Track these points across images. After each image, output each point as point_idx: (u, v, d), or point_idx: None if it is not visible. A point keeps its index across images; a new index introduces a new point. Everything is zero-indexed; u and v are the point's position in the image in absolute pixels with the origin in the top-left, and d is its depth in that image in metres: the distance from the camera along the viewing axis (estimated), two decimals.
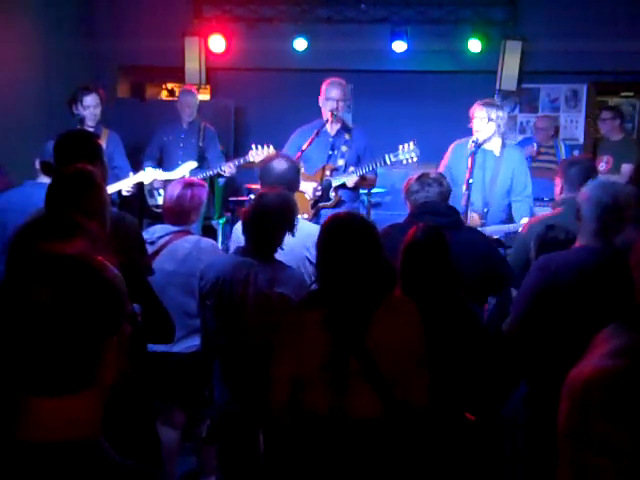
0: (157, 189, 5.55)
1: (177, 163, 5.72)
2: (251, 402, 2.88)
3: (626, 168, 6.44)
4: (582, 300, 2.76)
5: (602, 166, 6.62)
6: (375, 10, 7.03)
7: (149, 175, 4.86)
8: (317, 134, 4.67)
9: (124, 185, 4.54)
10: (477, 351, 2.74)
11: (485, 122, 4.40)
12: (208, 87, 7.73)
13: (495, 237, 4.33)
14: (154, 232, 3.50)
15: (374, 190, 5.91)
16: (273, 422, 2.46)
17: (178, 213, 3.52)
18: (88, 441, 1.10)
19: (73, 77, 6.12)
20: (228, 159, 5.83)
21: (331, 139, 4.79)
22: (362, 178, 4.69)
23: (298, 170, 3.70)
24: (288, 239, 3.03)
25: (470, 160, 4.24)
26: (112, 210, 2.95)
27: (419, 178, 3.40)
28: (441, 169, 4.47)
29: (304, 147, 4.61)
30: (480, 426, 2.78)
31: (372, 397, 2.28)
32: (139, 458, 2.28)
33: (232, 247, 3.59)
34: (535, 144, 6.79)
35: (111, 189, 3.67)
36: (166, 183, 5.42)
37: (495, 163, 4.50)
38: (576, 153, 6.65)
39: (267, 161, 3.67)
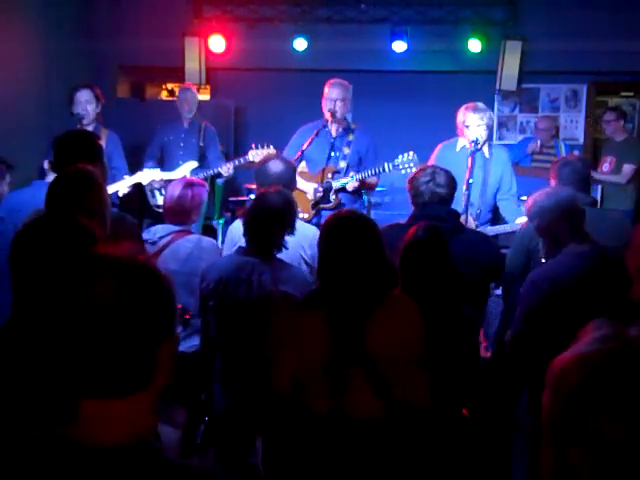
0: (158, 189, 5.55)
1: (178, 163, 5.72)
2: (251, 403, 2.88)
3: (627, 168, 6.45)
4: (579, 303, 2.77)
5: (605, 167, 6.63)
6: (375, 10, 7.04)
7: (147, 176, 4.85)
8: (317, 134, 4.66)
9: (122, 186, 4.52)
10: (470, 355, 2.74)
11: (483, 128, 4.44)
12: (208, 87, 7.73)
13: (491, 235, 4.35)
14: (155, 232, 3.50)
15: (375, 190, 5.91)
16: (273, 416, 2.46)
17: (179, 213, 3.52)
18: (145, 443, 1.10)
19: (73, 77, 6.12)
20: (228, 159, 5.83)
21: (332, 140, 4.79)
22: (362, 182, 4.69)
23: (294, 171, 3.70)
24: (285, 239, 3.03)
25: (470, 160, 4.24)
26: (112, 210, 2.96)
27: (427, 182, 3.38)
28: None
29: (304, 147, 4.61)
30: (484, 425, 2.78)
31: (373, 397, 2.28)
32: None
33: (226, 247, 3.59)
34: (539, 141, 6.80)
35: (109, 190, 3.65)
36: (167, 183, 5.44)
37: (485, 165, 4.53)
38: (576, 153, 6.65)
39: (263, 162, 3.67)
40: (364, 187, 4.84)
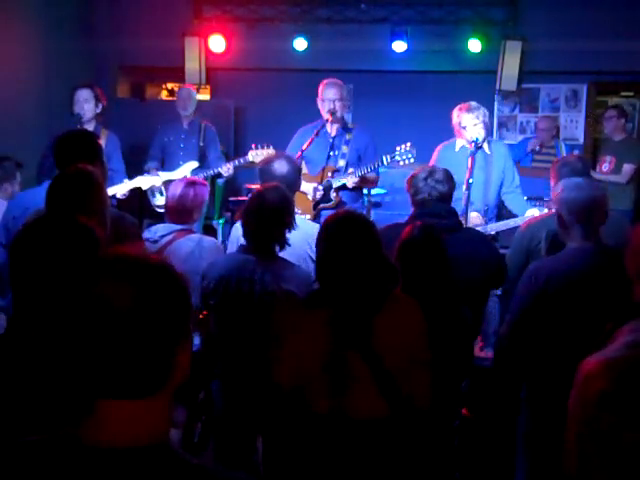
0: (158, 189, 5.54)
1: (178, 163, 5.72)
2: (251, 402, 2.87)
3: (627, 168, 6.45)
4: (576, 302, 2.77)
5: (605, 166, 6.63)
6: (375, 10, 7.03)
7: (147, 181, 4.83)
8: (317, 134, 4.67)
9: (121, 189, 4.48)
10: (464, 355, 2.75)
11: (481, 127, 4.44)
12: (208, 87, 7.72)
13: (492, 233, 4.35)
14: (156, 231, 3.50)
15: (374, 190, 5.91)
16: (273, 415, 2.46)
17: (180, 212, 3.53)
18: (162, 444, 1.10)
19: (73, 77, 6.12)
20: (228, 159, 5.82)
21: (331, 139, 4.79)
22: (362, 178, 4.69)
23: (300, 171, 3.69)
24: (290, 237, 3.02)
25: (470, 160, 4.24)
26: (112, 210, 2.96)
27: (425, 178, 3.38)
28: None
29: (304, 147, 4.61)
30: (485, 425, 2.79)
31: (374, 397, 2.28)
32: None
33: (230, 247, 3.59)
34: (540, 140, 6.81)
35: (108, 192, 3.63)
36: (167, 183, 5.44)
37: (487, 161, 4.54)
38: (576, 153, 6.65)
39: (268, 161, 3.66)
40: (364, 183, 4.84)
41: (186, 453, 1.12)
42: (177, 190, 3.54)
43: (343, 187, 4.71)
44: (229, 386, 3.01)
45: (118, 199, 4.62)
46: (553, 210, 3.62)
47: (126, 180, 4.61)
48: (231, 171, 5.44)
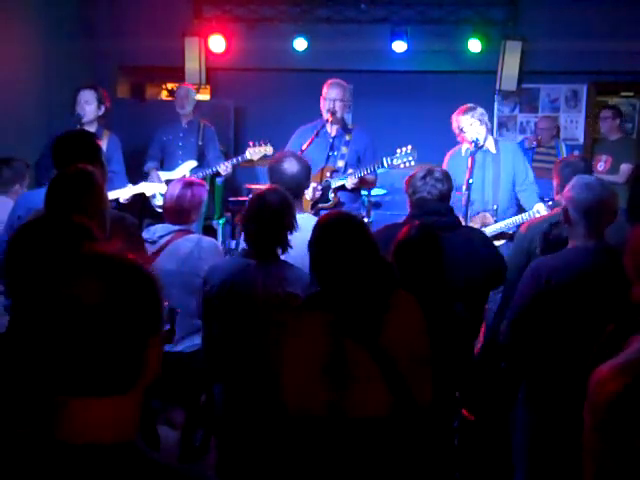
0: (164, 191, 5.53)
1: (177, 162, 5.73)
2: (254, 405, 2.85)
3: (625, 168, 6.44)
4: (577, 301, 2.77)
5: (601, 165, 6.63)
6: (375, 10, 7.04)
7: (151, 188, 4.81)
8: (317, 134, 4.67)
9: (124, 194, 4.45)
10: (461, 354, 2.74)
11: (477, 125, 4.46)
12: (208, 87, 7.72)
13: (510, 232, 4.35)
14: (155, 231, 3.50)
15: (374, 190, 5.92)
16: (281, 423, 2.45)
17: (178, 212, 3.52)
18: (129, 442, 1.10)
19: (73, 77, 6.12)
20: (228, 159, 5.83)
21: (331, 140, 4.79)
22: (361, 179, 4.69)
23: (310, 170, 3.67)
24: (292, 238, 3.01)
25: (470, 160, 4.25)
26: (112, 210, 2.96)
27: (423, 177, 3.38)
28: None
29: (304, 147, 4.61)
30: (484, 425, 2.78)
31: (374, 396, 2.28)
32: None
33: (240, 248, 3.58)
34: (539, 137, 6.81)
35: (110, 196, 3.61)
36: (167, 183, 5.44)
37: (494, 161, 4.54)
38: (576, 153, 6.65)
39: (277, 161, 3.62)
40: (363, 184, 4.84)
41: (153, 452, 1.12)
42: (175, 191, 3.54)
43: (341, 187, 4.71)
44: (232, 390, 2.98)
45: (119, 204, 4.61)
46: (554, 211, 3.63)
47: (130, 185, 4.58)
48: (229, 170, 5.44)
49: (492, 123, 4.82)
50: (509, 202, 4.57)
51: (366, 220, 5.75)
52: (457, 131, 4.54)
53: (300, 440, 2.36)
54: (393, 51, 6.97)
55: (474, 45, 6.88)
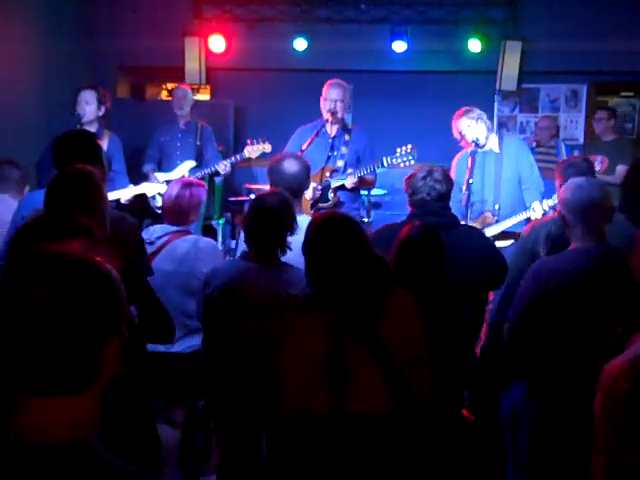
0: (164, 192, 5.53)
1: (176, 163, 5.73)
2: (255, 406, 2.84)
3: (621, 169, 6.43)
4: (579, 301, 2.77)
5: (597, 166, 6.62)
6: (375, 10, 7.04)
7: (152, 188, 4.80)
8: (317, 134, 4.67)
9: (125, 194, 4.45)
10: (465, 352, 2.74)
11: (474, 124, 4.45)
12: (208, 87, 7.73)
13: (518, 232, 4.33)
14: (153, 232, 3.49)
15: (374, 190, 5.91)
16: (280, 420, 2.45)
17: (177, 213, 3.52)
18: (85, 443, 1.10)
19: (73, 77, 6.12)
20: (227, 158, 5.82)
21: (330, 140, 4.80)
22: (361, 179, 4.69)
23: (309, 170, 3.68)
24: (291, 239, 3.01)
25: (470, 160, 4.25)
26: (112, 210, 2.95)
27: (423, 177, 3.38)
28: None
29: (304, 147, 4.61)
30: (479, 425, 2.78)
31: (374, 394, 2.28)
32: (139, 458, 2.28)
33: (239, 251, 3.57)
34: (538, 137, 6.80)
35: (111, 196, 3.61)
36: (166, 184, 5.44)
37: (496, 160, 4.53)
38: (576, 153, 6.66)
39: (277, 161, 3.62)
40: (362, 184, 4.84)
41: (109, 454, 1.12)
42: (173, 191, 3.53)
43: (341, 187, 4.71)
44: (232, 391, 2.95)
45: (119, 205, 4.60)
46: (554, 213, 3.63)
47: (131, 185, 4.57)
48: (228, 169, 5.45)
49: (492, 123, 4.79)
50: (514, 201, 4.52)
51: (366, 220, 5.76)
52: (459, 137, 4.54)
53: (301, 440, 2.36)
54: (393, 51, 6.97)
55: (474, 45, 6.88)
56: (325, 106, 4.76)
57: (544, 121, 6.98)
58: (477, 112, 4.50)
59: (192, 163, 5.66)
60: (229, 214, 6.37)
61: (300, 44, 7.10)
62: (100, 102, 4.83)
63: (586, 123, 7.43)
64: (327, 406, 2.29)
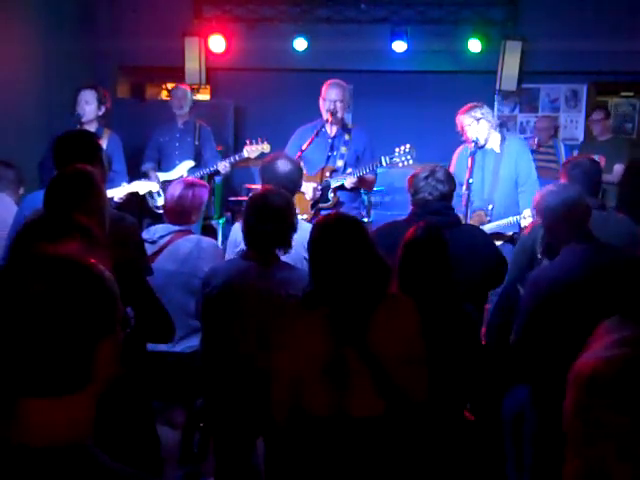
0: (157, 190, 5.54)
1: (174, 163, 5.73)
2: (253, 406, 2.84)
3: (618, 168, 6.43)
4: (580, 303, 2.76)
5: None
6: (375, 10, 7.04)
7: (145, 186, 4.79)
8: (317, 134, 4.67)
9: (118, 193, 4.43)
10: (471, 352, 2.74)
11: (475, 124, 4.43)
12: (208, 87, 7.73)
13: (509, 234, 4.34)
14: (155, 232, 3.49)
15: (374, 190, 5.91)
16: (274, 423, 2.45)
17: (179, 213, 3.52)
18: (81, 445, 1.09)
19: (73, 77, 6.12)
20: (225, 158, 5.83)
21: (330, 140, 4.79)
22: (360, 179, 4.69)
23: (301, 171, 3.68)
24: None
25: (470, 160, 4.24)
26: (112, 210, 2.95)
27: (425, 177, 3.39)
28: None
29: (304, 147, 4.61)
30: (479, 426, 2.78)
31: (373, 394, 2.28)
32: (139, 459, 2.28)
33: (229, 248, 3.58)
34: (537, 138, 6.80)
35: None
36: (165, 184, 5.44)
37: (495, 159, 4.52)
38: (576, 153, 6.66)
39: (270, 160, 3.63)
40: (362, 184, 4.84)
41: (104, 455, 1.11)
42: (176, 191, 3.54)
43: (341, 187, 4.71)
44: (231, 391, 2.95)
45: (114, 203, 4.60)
46: None
47: (124, 184, 4.57)
48: (228, 168, 5.45)
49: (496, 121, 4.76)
50: (508, 201, 4.52)
51: (366, 220, 5.76)
52: (461, 131, 4.54)
53: (300, 440, 2.37)
54: (393, 51, 6.97)
55: (474, 45, 6.88)
56: (325, 106, 4.76)
57: (543, 122, 6.98)
58: (480, 111, 4.47)
59: (191, 163, 5.66)
60: (229, 214, 6.38)
61: (300, 44, 7.10)
62: (100, 102, 4.83)
63: (586, 123, 7.44)
64: (327, 406, 2.29)
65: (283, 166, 3.53)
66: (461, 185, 4.18)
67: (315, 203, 4.68)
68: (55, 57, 6.27)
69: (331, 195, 4.70)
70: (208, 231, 5.57)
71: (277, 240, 2.92)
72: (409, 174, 3.54)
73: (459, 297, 2.79)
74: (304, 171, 4.71)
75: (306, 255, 3.20)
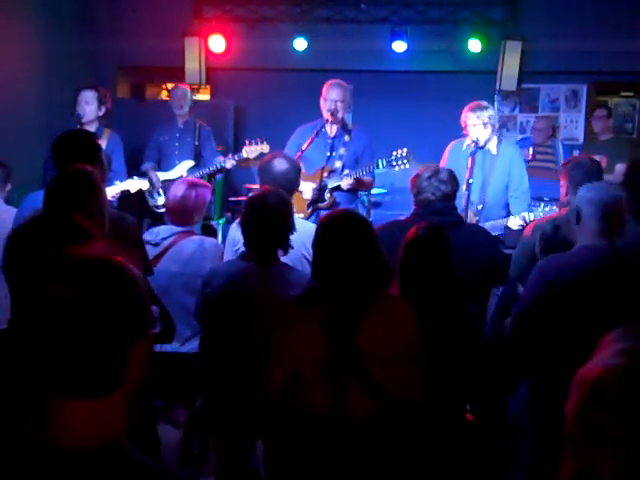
0: (157, 190, 5.54)
1: (174, 163, 5.73)
2: (252, 405, 2.84)
3: (620, 168, 6.43)
4: (585, 301, 2.75)
5: None
6: (375, 10, 7.04)
7: (135, 185, 4.77)
8: (316, 134, 4.66)
9: (110, 192, 4.37)
10: (474, 352, 2.74)
11: (481, 128, 4.43)
12: (208, 87, 7.73)
13: (495, 234, 4.35)
14: (158, 233, 3.49)
15: (374, 190, 5.91)
16: (271, 415, 2.45)
17: (181, 213, 3.52)
18: (116, 444, 1.10)
19: (73, 77, 6.12)
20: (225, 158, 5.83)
21: (330, 140, 4.79)
22: (357, 181, 4.68)
23: (299, 170, 3.69)
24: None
25: (470, 160, 4.24)
26: (112, 210, 2.95)
27: (428, 178, 3.39)
28: None
29: (304, 147, 4.61)
30: (484, 427, 2.78)
31: (367, 395, 2.28)
32: None
33: (227, 248, 3.57)
34: (531, 147, 6.79)
35: None
36: (165, 183, 5.44)
37: (491, 161, 4.53)
38: (575, 153, 6.66)
39: (267, 160, 3.64)
40: (359, 186, 4.84)
41: (140, 454, 1.11)
42: (179, 191, 3.54)
43: (338, 188, 4.71)
44: (230, 391, 2.95)
45: (118, 199, 4.61)
46: (558, 213, 3.63)
47: (117, 182, 4.56)
48: (235, 163, 5.47)
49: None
50: (499, 204, 4.53)
51: None
52: (464, 125, 4.53)
53: (299, 440, 2.37)
54: (393, 51, 6.97)
55: (474, 45, 6.88)
56: (325, 106, 4.76)
57: (541, 122, 6.98)
58: (487, 114, 4.44)
59: (190, 163, 5.66)
60: (229, 214, 6.37)
61: (300, 44, 7.10)
62: (100, 102, 4.83)
63: (586, 123, 7.43)
64: (327, 406, 2.29)
65: (280, 165, 3.54)
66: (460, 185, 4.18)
67: (312, 203, 4.67)
68: (55, 57, 6.28)
69: (327, 195, 4.70)
70: (208, 231, 5.57)
71: (276, 241, 2.92)
72: (411, 174, 3.55)
73: (462, 297, 2.79)
74: (303, 170, 4.73)
75: (306, 254, 3.22)
